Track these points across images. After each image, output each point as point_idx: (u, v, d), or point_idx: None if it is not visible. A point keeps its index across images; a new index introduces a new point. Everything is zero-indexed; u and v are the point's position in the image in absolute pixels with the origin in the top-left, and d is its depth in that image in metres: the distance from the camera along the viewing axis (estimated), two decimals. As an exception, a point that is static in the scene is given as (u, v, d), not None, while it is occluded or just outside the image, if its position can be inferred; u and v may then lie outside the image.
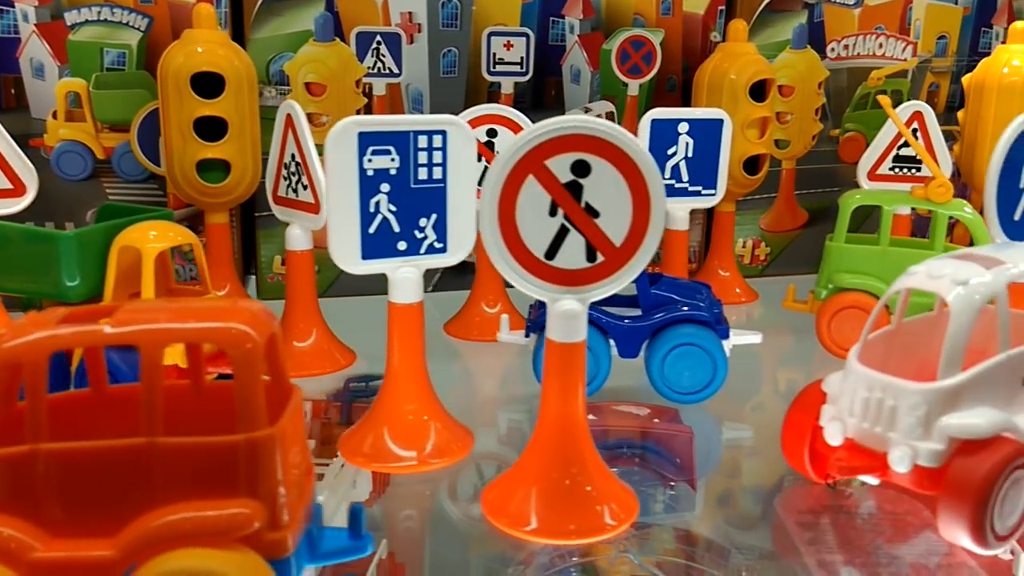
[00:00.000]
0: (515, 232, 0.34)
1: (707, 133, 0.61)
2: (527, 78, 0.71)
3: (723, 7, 0.74)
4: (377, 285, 0.41)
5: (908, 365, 0.36)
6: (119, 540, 0.24)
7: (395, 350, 0.41)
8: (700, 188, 0.63)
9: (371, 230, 0.39)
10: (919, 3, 0.78)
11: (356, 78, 0.67)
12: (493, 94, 0.71)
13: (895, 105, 0.70)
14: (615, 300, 0.51)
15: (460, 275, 0.66)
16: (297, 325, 0.54)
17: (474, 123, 0.58)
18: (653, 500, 0.39)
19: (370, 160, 0.38)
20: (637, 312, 0.49)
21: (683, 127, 0.61)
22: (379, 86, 0.69)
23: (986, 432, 0.32)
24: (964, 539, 0.32)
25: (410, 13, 0.68)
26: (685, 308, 0.49)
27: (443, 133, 0.39)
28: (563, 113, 0.73)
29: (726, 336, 0.49)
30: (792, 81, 0.77)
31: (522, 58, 0.71)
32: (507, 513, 0.35)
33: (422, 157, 0.39)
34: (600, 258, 0.34)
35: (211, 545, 0.24)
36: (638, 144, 0.33)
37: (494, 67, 0.71)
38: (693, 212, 0.65)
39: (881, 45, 0.79)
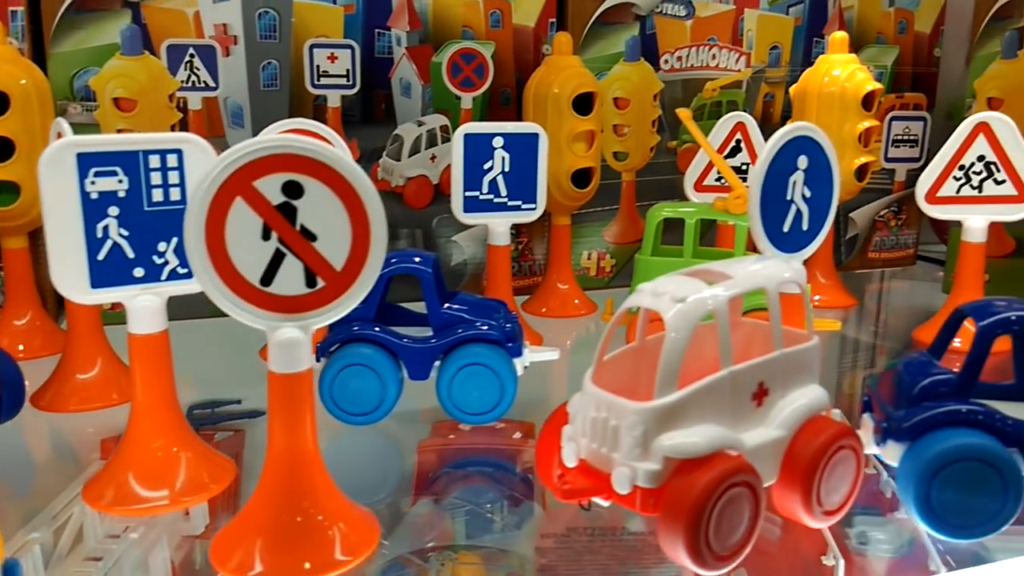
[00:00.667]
0: (226, 257, 0.32)
1: (523, 147, 0.61)
2: (354, 91, 0.70)
3: (553, 20, 0.74)
4: (204, 307, 0.38)
5: (648, 384, 0.35)
6: None
7: (138, 384, 0.39)
8: (520, 202, 0.62)
9: (100, 256, 0.37)
10: (751, 14, 0.80)
11: (169, 92, 0.65)
12: (319, 107, 0.70)
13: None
14: (410, 319, 0.51)
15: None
16: (79, 354, 0.51)
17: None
18: (486, 520, 0.38)
19: (93, 183, 0.36)
20: (429, 332, 0.48)
21: (498, 141, 0.61)
22: (194, 100, 0.67)
23: (702, 450, 0.32)
24: (684, 559, 0.32)
25: (225, 25, 0.66)
26: (479, 326, 0.48)
27: (178, 152, 0.38)
28: (395, 127, 0.72)
29: (518, 354, 0.49)
30: (627, 93, 0.77)
31: (348, 71, 0.69)
32: (233, 560, 0.34)
33: (155, 178, 0.37)
34: (321, 283, 0.33)
35: None
36: (351, 163, 0.32)
37: (318, 80, 0.69)
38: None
39: (715, 56, 0.80)
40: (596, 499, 0.34)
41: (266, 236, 0.32)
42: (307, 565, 0.33)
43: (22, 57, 0.58)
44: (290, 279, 0.33)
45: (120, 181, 0.37)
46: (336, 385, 0.46)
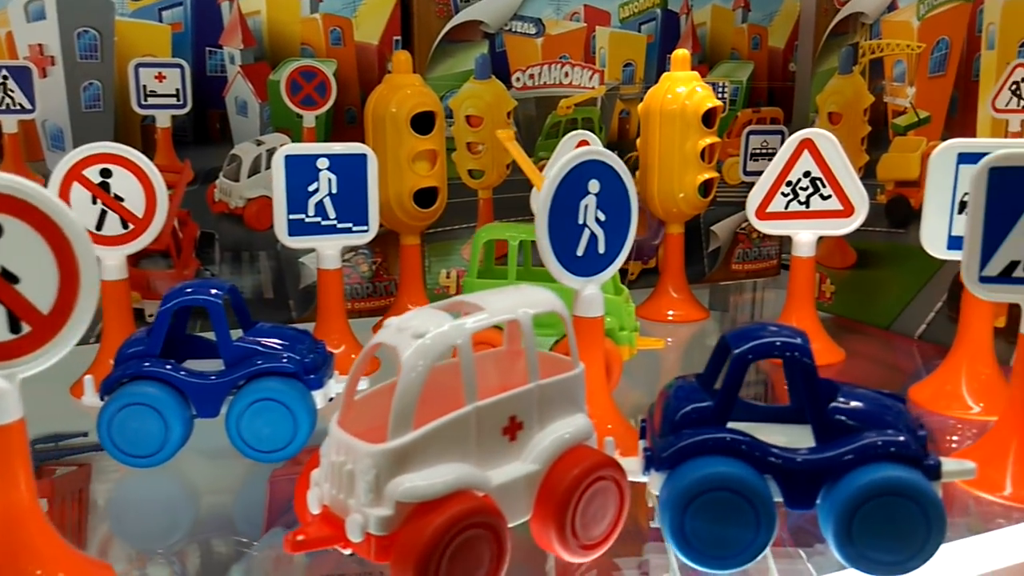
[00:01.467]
0: (-84, 304, 0.30)
1: (351, 168, 0.60)
2: (185, 111, 0.67)
3: (398, 37, 0.73)
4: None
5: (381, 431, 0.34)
6: None
7: None
8: (350, 225, 0.61)
9: None
10: (602, 32, 0.80)
11: (-22, 115, 0.62)
12: (148, 128, 0.67)
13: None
14: (213, 351, 0.48)
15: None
16: None
17: (85, 163, 0.54)
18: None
19: None
20: (220, 367, 0.46)
21: (323, 163, 0.59)
22: (9, 123, 0.63)
23: (438, 492, 0.31)
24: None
25: (40, 45, 0.63)
26: (274, 359, 0.46)
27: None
28: (232, 146, 0.70)
29: (318, 386, 0.47)
30: (479, 111, 0.77)
31: (177, 90, 0.67)
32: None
33: None
34: (26, 328, 0.31)
35: None
36: (55, 201, 0.30)
37: (145, 100, 0.66)
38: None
39: (567, 74, 0.80)
40: (338, 548, 0.33)
41: (-37, 279, 0.30)
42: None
43: None
44: (-9, 325, 0.31)
45: None
46: (115, 426, 0.44)
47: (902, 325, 0.70)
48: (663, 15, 0.82)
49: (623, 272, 0.86)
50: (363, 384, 0.41)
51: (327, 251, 0.60)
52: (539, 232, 0.44)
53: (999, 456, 0.43)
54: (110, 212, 0.55)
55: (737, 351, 0.36)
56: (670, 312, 0.76)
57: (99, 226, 0.54)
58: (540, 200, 0.43)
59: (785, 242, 0.94)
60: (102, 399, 0.46)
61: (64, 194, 0.53)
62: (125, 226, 0.55)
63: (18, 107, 0.63)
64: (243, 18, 0.68)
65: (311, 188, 0.59)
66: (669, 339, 0.68)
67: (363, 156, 0.60)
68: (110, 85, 0.65)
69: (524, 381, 0.35)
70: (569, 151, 0.70)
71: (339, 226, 0.60)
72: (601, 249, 0.46)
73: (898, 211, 0.70)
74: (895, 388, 0.57)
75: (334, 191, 0.60)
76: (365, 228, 0.61)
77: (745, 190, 0.90)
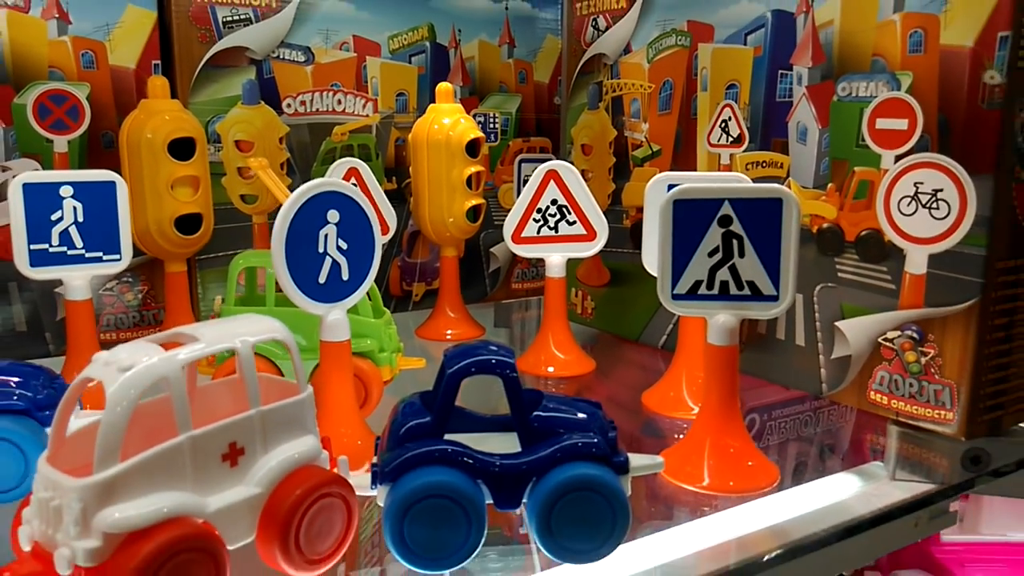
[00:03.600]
0: None
1: (99, 196, 0.58)
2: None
3: (157, 61, 0.72)
4: None
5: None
6: None
7: None
8: (100, 254, 0.59)
9: None
10: (372, 62, 0.83)
11: None
12: None
13: (366, 159, 0.73)
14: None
15: None
16: None
17: None
18: None
19: None
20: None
21: (66, 191, 0.57)
22: None
23: (146, 522, 0.32)
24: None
25: None
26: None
27: None
28: (-29, 173, 0.66)
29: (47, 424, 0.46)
30: (250, 136, 0.77)
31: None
32: None
33: None
34: None
35: None
36: None
37: None
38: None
39: (340, 101, 0.82)
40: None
41: None
42: None
43: None
44: None
45: None
46: None
47: (648, 336, 0.78)
48: (432, 48, 0.86)
49: (408, 294, 0.89)
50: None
51: (75, 282, 0.58)
52: (276, 262, 0.45)
53: (697, 452, 0.49)
54: None
55: (449, 370, 0.39)
56: (448, 331, 0.79)
57: None
58: (275, 230, 0.45)
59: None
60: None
61: None
62: None
63: None
64: (-20, 38, 0.64)
65: (54, 217, 0.57)
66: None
67: (112, 184, 0.59)
68: None
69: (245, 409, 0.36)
70: (340, 177, 0.73)
71: (88, 255, 0.59)
72: (345, 276, 0.48)
73: (640, 234, 0.77)
74: (635, 393, 0.64)
75: (80, 219, 0.58)
76: (117, 257, 0.60)
77: (518, 214, 0.96)
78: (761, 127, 0.66)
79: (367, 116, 0.84)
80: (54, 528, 0.32)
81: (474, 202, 0.77)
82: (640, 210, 0.78)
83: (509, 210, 0.96)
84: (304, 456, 0.38)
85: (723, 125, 0.69)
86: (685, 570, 0.41)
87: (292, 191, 0.46)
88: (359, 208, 0.49)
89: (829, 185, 0.62)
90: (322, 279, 0.47)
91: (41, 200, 0.56)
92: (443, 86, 0.77)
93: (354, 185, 0.73)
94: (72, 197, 0.57)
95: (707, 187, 0.48)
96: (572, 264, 0.79)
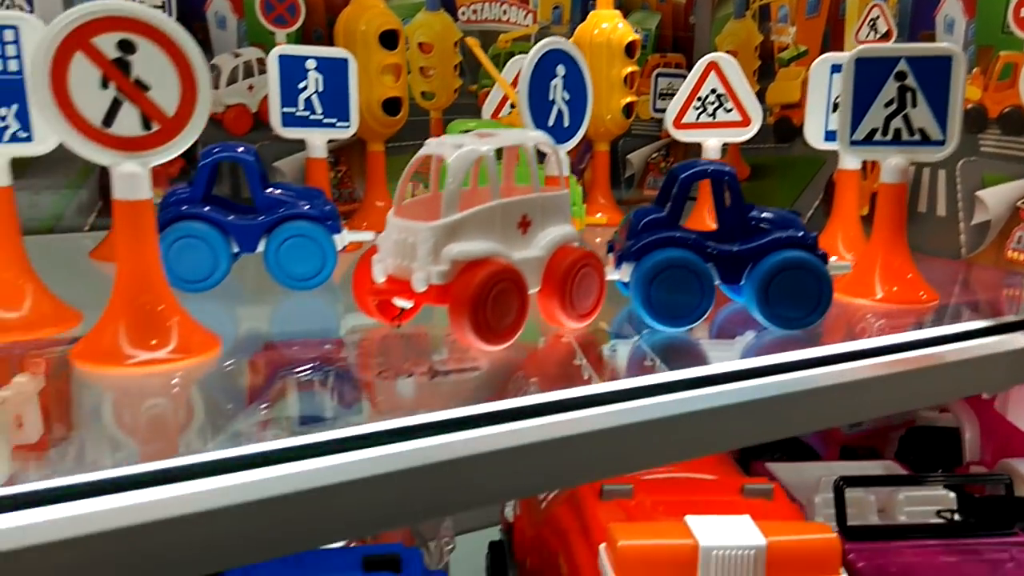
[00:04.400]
0: (69, 103, 0.38)
1: (335, 71, 0.68)
2: (171, 22, 0.74)
3: (359, -32, 0.82)
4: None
5: (433, 217, 0.44)
6: None
7: None
8: (335, 120, 0.69)
9: (-56, 117, 0.41)
10: (535, -24, 0.92)
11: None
12: (136, 37, 0.73)
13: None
14: (235, 209, 0.56)
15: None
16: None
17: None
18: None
19: (-63, 51, 0.40)
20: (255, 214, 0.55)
21: (311, 64, 0.67)
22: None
23: (478, 255, 0.41)
24: (470, 336, 0.41)
25: (36, -50, 0.68)
26: (301, 206, 0.55)
27: (15, 28, 0.42)
28: (212, 57, 0.77)
29: (337, 231, 0.56)
30: (430, 39, 0.86)
31: (164, 3, 0.73)
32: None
33: (-8, 49, 0.42)
34: (156, 126, 0.39)
35: None
36: (177, 26, 0.39)
37: (134, 10, 0.72)
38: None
39: (505, 12, 0.91)
40: (399, 301, 0.43)
41: (104, 85, 0.38)
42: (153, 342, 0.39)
43: None
44: (128, 122, 0.39)
45: (-40, 50, 0.41)
46: (170, 257, 0.52)
47: (785, 223, 0.85)
48: (586, -35, 0.95)
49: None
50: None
51: (315, 141, 0.69)
52: (521, 106, 0.54)
53: (869, 271, 0.57)
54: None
55: (682, 175, 0.48)
56: (599, 214, 0.88)
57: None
58: (521, 78, 0.54)
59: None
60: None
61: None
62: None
63: (17, 6, 0.68)
64: (223, -60, 0.75)
65: (301, 85, 0.67)
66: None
67: (345, 60, 0.69)
68: (101, -7, 0.71)
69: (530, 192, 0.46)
70: (514, 72, 0.82)
71: (325, 121, 0.69)
72: (566, 123, 0.58)
73: (784, 129, 0.85)
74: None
75: (320, 89, 0.68)
76: (347, 124, 0.70)
77: (654, 126, 1.04)
78: (909, 22, 0.73)
79: (527, 26, 0.92)
80: (409, 260, 0.42)
81: (630, 99, 0.86)
82: (785, 107, 0.86)
83: (644, 121, 1.05)
84: (569, 235, 0.47)
85: (871, 23, 0.76)
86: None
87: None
88: (577, 65, 0.58)
89: (974, 69, 0.68)
90: (550, 122, 0.57)
91: (291, 70, 0.67)
92: (604, -7, 0.85)
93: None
94: (315, 69, 0.68)
95: (886, 47, 0.55)
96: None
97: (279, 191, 0.56)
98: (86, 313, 0.46)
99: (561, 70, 0.56)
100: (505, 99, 0.81)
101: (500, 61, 0.91)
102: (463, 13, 0.88)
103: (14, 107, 0.43)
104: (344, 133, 0.70)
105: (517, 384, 0.40)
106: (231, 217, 0.53)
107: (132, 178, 0.39)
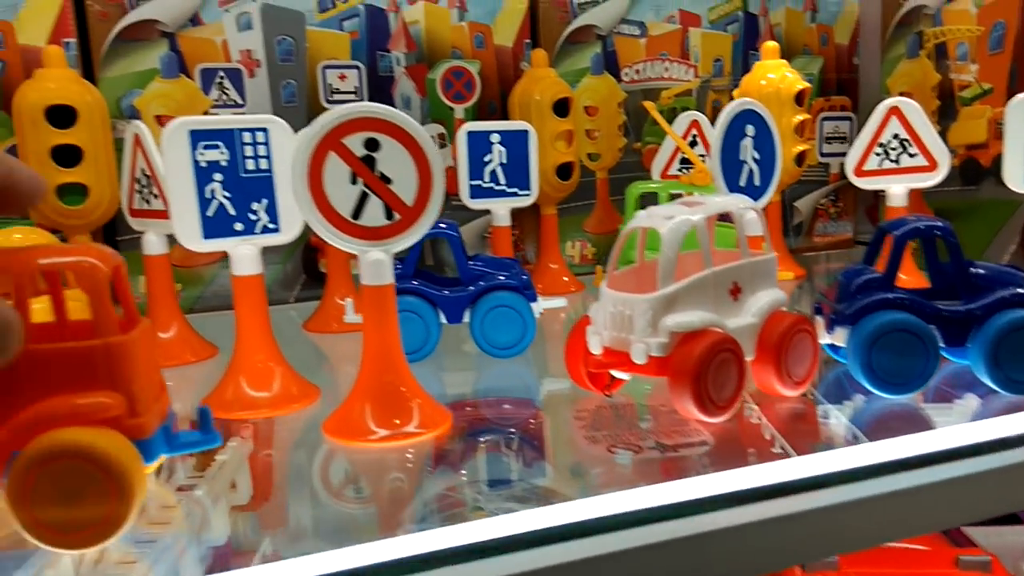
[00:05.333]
0: (324, 198, 0.42)
1: (516, 142, 0.72)
2: (362, 106, 0.80)
3: (528, 40, 0.86)
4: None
5: (648, 287, 0.45)
6: (7, 425, 0.30)
7: (242, 317, 0.48)
8: (516, 189, 0.73)
9: (209, 213, 0.46)
10: (694, 32, 0.93)
11: (203, 110, 0.74)
12: (332, 121, 0.79)
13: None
14: (438, 281, 0.60)
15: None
16: (158, 318, 0.59)
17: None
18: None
19: (202, 153, 0.45)
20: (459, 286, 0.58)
21: (495, 137, 0.71)
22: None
23: (697, 326, 0.42)
24: (691, 408, 0.42)
25: (249, 50, 0.76)
26: (501, 277, 0.58)
27: (265, 130, 0.47)
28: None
29: (533, 300, 0.58)
30: (595, 102, 0.89)
31: (356, 87, 0.80)
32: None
33: (248, 151, 0.47)
34: (397, 216, 0.43)
35: (81, 426, 0.30)
36: (416, 124, 0.42)
37: (331, 96, 0.79)
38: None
39: (667, 69, 0.92)
40: (616, 373, 0.44)
41: (353, 181, 0.42)
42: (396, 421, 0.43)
43: (82, 79, 0.66)
44: (374, 213, 0.42)
45: (222, 153, 0.46)
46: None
47: (977, 268, 0.81)
48: (744, 16, 0.95)
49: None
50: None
51: (499, 211, 0.72)
52: (714, 167, 0.55)
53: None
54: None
55: (896, 233, 0.47)
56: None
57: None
58: (713, 140, 0.55)
59: (859, 217, 1.06)
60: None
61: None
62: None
63: (232, 102, 0.76)
64: (406, 27, 0.81)
65: (486, 159, 0.71)
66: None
67: (525, 132, 0.72)
68: (303, 84, 0.78)
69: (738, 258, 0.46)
70: (683, 128, 0.83)
71: (508, 190, 0.72)
72: (756, 182, 0.58)
73: (970, 171, 0.81)
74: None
75: (504, 162, 0.72)
76: (528, 192, 0.73)
77: (821, 171, 1.02)
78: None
79: (688, 81, 0.94)
80: (627, 331, 0.43)
81: (802, 147, 0.84)
82: (970, 147, 0.82)
83: (810, 166, 1.03)
84: (777, 301, 0.47)
85: (1067, 55, 0.72)
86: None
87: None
88: (766, 124, 0.58)
89: None
90: (742, 183, 0.57)
91: (478, 145, 0.71)
92: (769, 44, 0.85)
93: (694, 135, 0.83)
94: (499, 143, 0.71)
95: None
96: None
97: (480, 263, 0.59)
98: (318, 382, 0.51)
99: (751, 130, 0.57)
100: (674, 157, 0.82)
101: (665, 118, 0.92)
102: (626, 74, 0.90)
103: (264, 202, 0.48)
104: (525, 201, 0.73)
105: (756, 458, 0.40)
106: (444, 292, 0.57)
107: (378, 265, 0.42)
